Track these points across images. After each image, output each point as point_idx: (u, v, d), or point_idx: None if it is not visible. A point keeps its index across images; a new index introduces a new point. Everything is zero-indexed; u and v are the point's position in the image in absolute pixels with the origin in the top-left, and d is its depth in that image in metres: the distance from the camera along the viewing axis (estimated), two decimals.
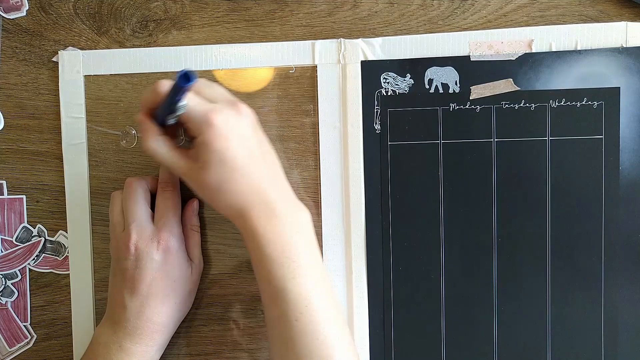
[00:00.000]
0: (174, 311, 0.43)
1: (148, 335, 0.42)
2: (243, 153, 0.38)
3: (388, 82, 0.45)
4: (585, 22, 0.45)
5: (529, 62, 0.44)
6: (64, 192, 0.47)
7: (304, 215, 0.41)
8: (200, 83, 0.41)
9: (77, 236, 0.47)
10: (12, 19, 0.47)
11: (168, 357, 0.46)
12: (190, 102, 0.38)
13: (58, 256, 0.48)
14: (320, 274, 0.40)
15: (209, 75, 0.46)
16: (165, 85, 0.38)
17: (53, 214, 0.48)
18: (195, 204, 0.46)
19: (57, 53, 0.47)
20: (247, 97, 0.46)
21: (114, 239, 0.44)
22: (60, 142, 0.47)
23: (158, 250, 0.42)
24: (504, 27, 0.45)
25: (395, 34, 0.46)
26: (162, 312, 0.42)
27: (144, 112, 0.40)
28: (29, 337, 0.48)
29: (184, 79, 0.35)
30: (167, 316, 0.43)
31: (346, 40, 0.46)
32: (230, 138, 0.38)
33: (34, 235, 0.48)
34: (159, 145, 0.40)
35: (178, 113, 0.38)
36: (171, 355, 0.47)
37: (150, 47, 0.47)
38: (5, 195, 0.48)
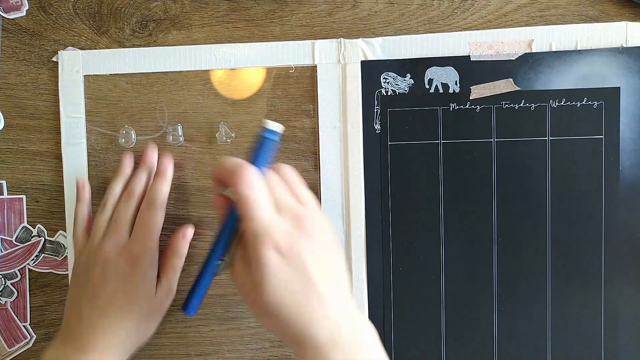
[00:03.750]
0: (132, 331, 0.41)
1: (99, 352, 0.40)
2: (308, 275, 0.34)
3: (388, 82, 0.45)
4: (585, 22, 0.45)
5: (529, 62, 0.44)
6: (63, 192, 0.47)
7: (370, 332, 0.36)
8: (274, 176, 0.36)
9: None
10: (12, 18, 0.47)
11: (168, 357, 0.46)
12: (255, 203, 0.34)
13: (58, 256, 0.48)
14: None
15: (208, 75, 0.46)
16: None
17: (53, 214, 0.48)
18: (188, 232, 0.44)
19: (57, 53, 0.47)
20: (247, 97, 0.46)
21: (86, 249, 0.43)
22: (59, 142, 0.47)
23: (126, 262, 0.40)
24: (504, 27, 0.45)
25: (395, 34, 0.46)
26: (119, 328, 0.40)
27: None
28: (29, 337, 0.48)
29: (271, 134, 0.37)
30: (123, 334, 0.40)
31: (346, 40, 0.46)
32: (288, 263, 0.33)
33: (34, 235, 0.48)
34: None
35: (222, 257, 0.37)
36: (172, 356, 0.47)
37: (150, 47, 0.47)
38: (5, 195, 0.48)
